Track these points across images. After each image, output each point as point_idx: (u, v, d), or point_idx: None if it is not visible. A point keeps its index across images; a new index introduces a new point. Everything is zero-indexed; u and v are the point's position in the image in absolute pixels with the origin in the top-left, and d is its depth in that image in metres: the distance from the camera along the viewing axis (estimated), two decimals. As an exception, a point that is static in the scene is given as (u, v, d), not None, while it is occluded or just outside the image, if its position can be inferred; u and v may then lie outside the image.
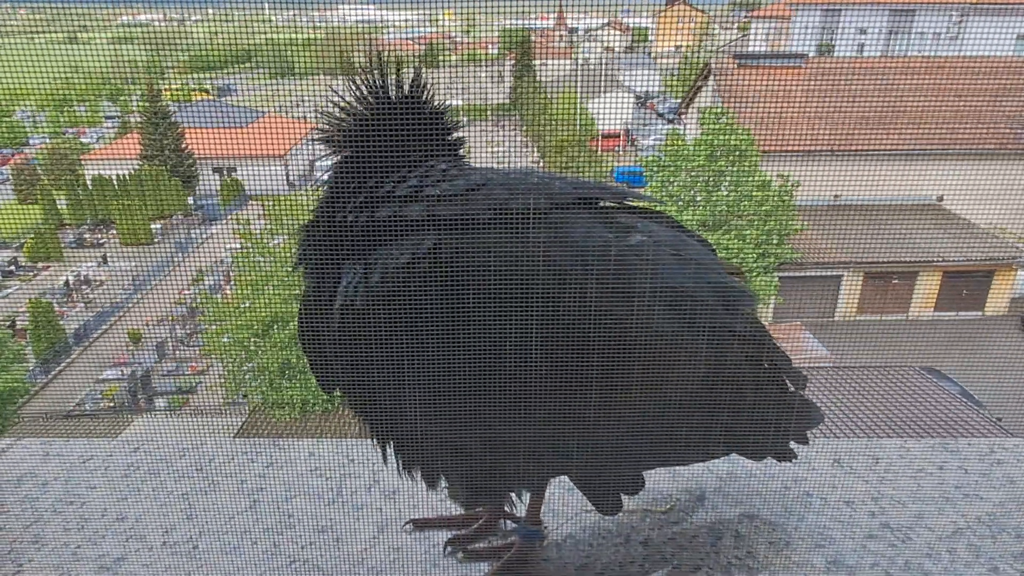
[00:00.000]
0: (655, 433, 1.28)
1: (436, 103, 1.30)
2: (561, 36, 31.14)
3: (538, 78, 26.15)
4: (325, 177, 1.29)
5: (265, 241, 12.07)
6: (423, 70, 1.27)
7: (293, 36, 24.28)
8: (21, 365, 13.01)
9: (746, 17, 25.68)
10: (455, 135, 1.33)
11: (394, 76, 1.26)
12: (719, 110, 14.39)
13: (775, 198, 13.43)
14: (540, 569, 1.47)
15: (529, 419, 1.17)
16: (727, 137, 13.45)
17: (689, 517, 1.60)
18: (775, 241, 13.55)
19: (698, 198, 13.90)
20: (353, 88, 1.26)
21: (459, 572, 1.46)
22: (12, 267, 19.07)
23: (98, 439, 2.28)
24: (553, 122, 21.69)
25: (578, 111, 21.66)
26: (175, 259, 19.00)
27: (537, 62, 28.32)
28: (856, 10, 21.25)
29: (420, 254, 1.13)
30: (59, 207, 20.85)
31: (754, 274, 13.44)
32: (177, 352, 15.43)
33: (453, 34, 33.07)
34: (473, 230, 1.15)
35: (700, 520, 1.59)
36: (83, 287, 18.02)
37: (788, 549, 1.50)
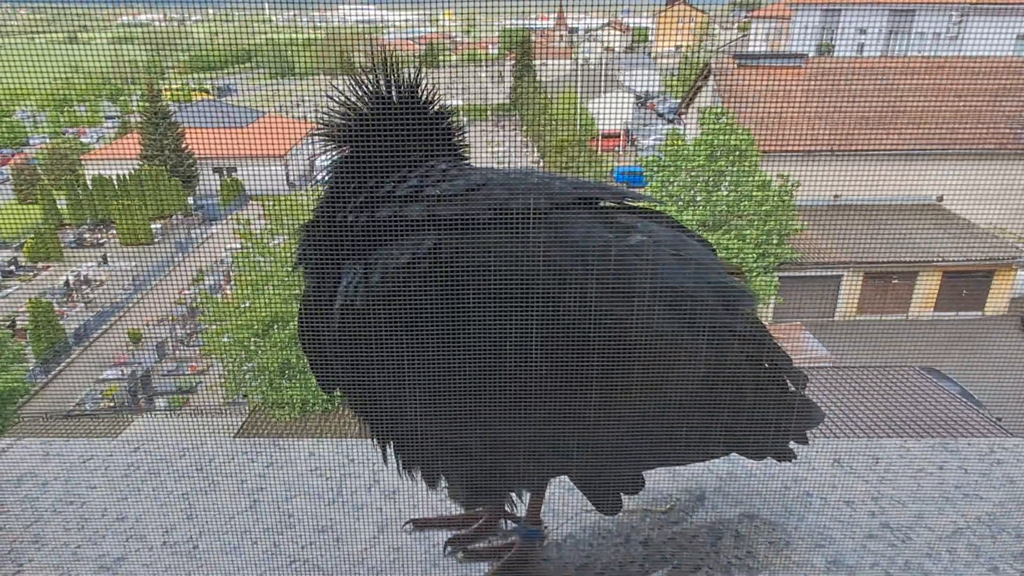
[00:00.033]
0: (655, 433, 1.28)
1: (438, 103, 1.30)
2: (561, 36, 31.15)
3: (538, 78, 26.15)
4: (324, 175, 1.29)
5: (265, 241, 12.07)
6: (425, 70, 1.28)
7: (293, 36, 24.28)
8: (21, 365, 13.01)
9: (746, 17, 25.68)
10: (456, 136, 1.33)
11: (396, 76, 1.26)
12: (719, 110, 14.39)
13: (775, 198, 13.43)
14: (540, 569, 1.47)
15: (529, 419, 1.17)
16: (727, 137, 13.45)
17: (689, 517, 1.60)
18: (775, 241, 13.55)
19: (698, 198, 13.90)
20: (355, 87, 1.26)
21: (459, 572, 1.46)
22: (12, 267, 19.08)
23: (98, 439, 2.28)
24: (553, 122, 21.69)
25: (578, 111, 21.67)
26: (175, 259, 19.00)
27: (537, 62, 28.32)
28: (856, 10, 21.25)
29: (420, 254, 1.13)
30: (59, 207, 20.86)
31: (754, 274, 13.44)
32: (177, 352, 15.44)
33: (453, 34, 33.07)
34: (473, 230, 1.15)
35: (700, 520, 1.59)
36: (83, 287, 18.03)
37: (788, 549, 1.50)
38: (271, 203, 12.80)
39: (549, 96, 23.04)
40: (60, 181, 21.33)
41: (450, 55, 31.94)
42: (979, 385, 11.00)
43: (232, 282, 14.15)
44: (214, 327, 12.03)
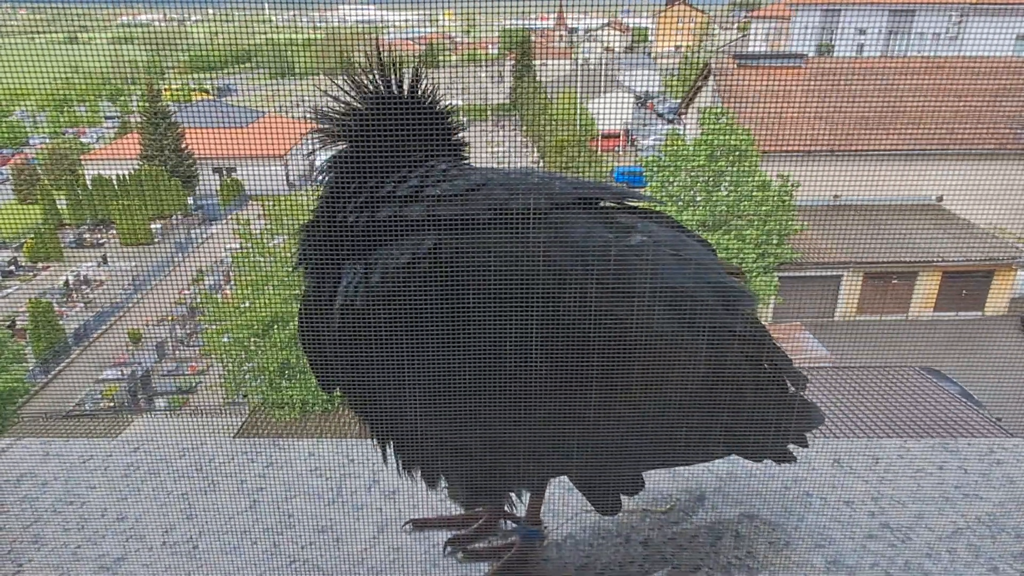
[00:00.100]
0: (655, 433, 1.28)
1: (439, 103, 1.30)
2: (561, 36, 31.15)
3: (538, 78, 26.15)
4: (321, 174, 1.29)
5: (265, 241, 12.08)
6: (426, 70, 1.27)
7: (293, 36, 24.28)
8: (21, 365, 13.01)
9: (746, 17, 25.69)
10: (457, 136, 1.33)
11: (397, 75, 1.26)
12: (719, 110, 14.40)
13: (775, 198, 13.43)
14: (540, 569, 1.47)
15: (529, 419, 1.17)
16: (727, 137, 13.45)
17: (689, 517, 1.60)
18: (775, 241, 13.55)
19: (698, 198, 13.90)
20: (355, 86, 1.26)
21: (459, 572, 1.46)
22: (12, 267, 19.08)
23: (98, 439, 2.28)
24: (553, 122, 21.69)
25: (578, 111, 21.67)
26: (175, 259, 19.00)
27: (537, 62, 28.32)
28: (856, 10, 21.25)
29: (420, 254, 1.13)
30: (59, 207, 20.86)
31: (754, 274, 13.44)
32: (177, 352, 15.44)
33: (453, 34, 33.07)
34: (473, 230, 1.15)
35: (700, 520, 1.59)
36: (83, 287, 18.03)
37: (788, 549, 1.50)
38: (271, 203, 12.79)
39: (549, 96, 23.04)
40: (60, 181, 21.33)
41: (450, 55, 31.94)
42: (979, 385, 11.00)
43: (232, 282, 14.16)
44: (214, 327, 12.03)
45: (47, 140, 25.80)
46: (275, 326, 11.38)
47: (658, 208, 1.39)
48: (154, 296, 17.19)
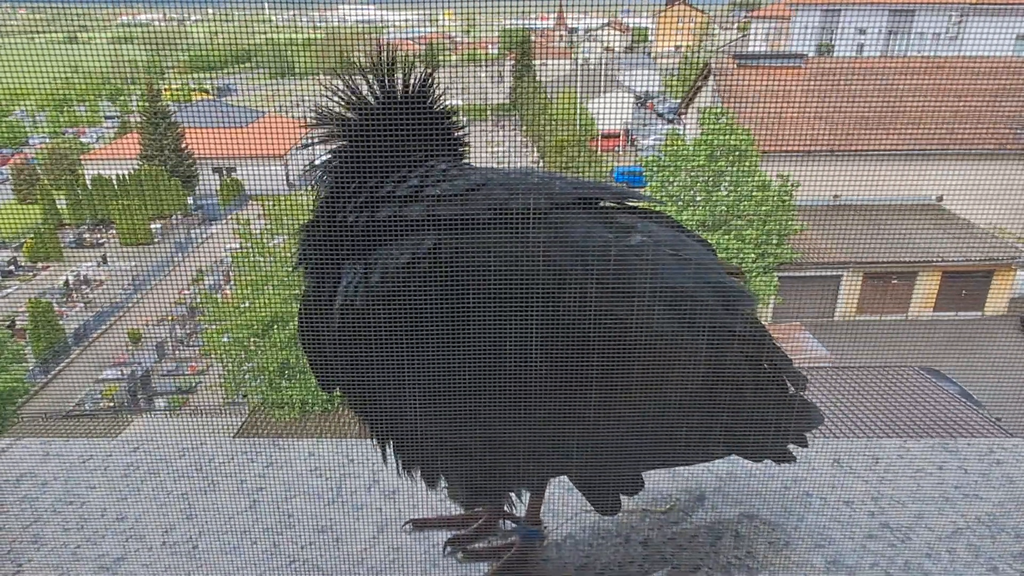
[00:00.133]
0: (655, 433, 1.28)
1: (440, 103, 1.30)
2: (561, 36, 31.16)
3: (538, 78, 26.15)
4: (319, 174, 1.29)
5: (265, 241, 12.08)
6: (428, 70, 1.27)
7: (293, 36, 24.28)
8: (21, 365, 13.01)
9: (746, 17, 25.69)
10: (456, 135, 1.33)
11: (396, 75, 1.25)
12: (719, 110, 14.39)
13: (775, 198, 13.43)
14: (540, 569, 1.47)
15: (529, 419, 1.17)
16: (727, 137, 13.45)
17: (689, 517, 1.60)
18: (775, 241, 13.55)
19: (698, 198, 13.90)
20: (355, 86, 1.25)
21: (459, 572, 1.45)
22: (12, 267, 19.08)
23: (98, 439, 2.28)
24: (553, 122, 21.69)
25: (578, 111, 21.67)
26: (175, 259, 19.00)
27: (537, 62, 28.32)
28: (856, 10, 21.25)
29: (420, 254, 1.13)
30: (59, 207, 20.86)
31: (754, 274, 13.44)
32: (177, 352, 15.44)
33: (453, 34, 33.07)
34: (473, 230, 1.15)
35: (700, 520, 1.59)
36: (83, 287, 18.03)
37: (788, 549, 1.50)
38: (271, 203, 12.79)
39: (549, 96, 23.04)
40: (60, 181, 21.33)
41: (450, 55, 31.94)
42: (979, 385, 11.01)
43: (232, 282, 14.15)
44: (214, 327, 12.03)
45: (47, 140, 25.80)
46: (275, 326, 11.39)
47: (658, 208, 1.39)
48: (154, 296, 17.19)
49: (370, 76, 1.25)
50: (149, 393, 14.31)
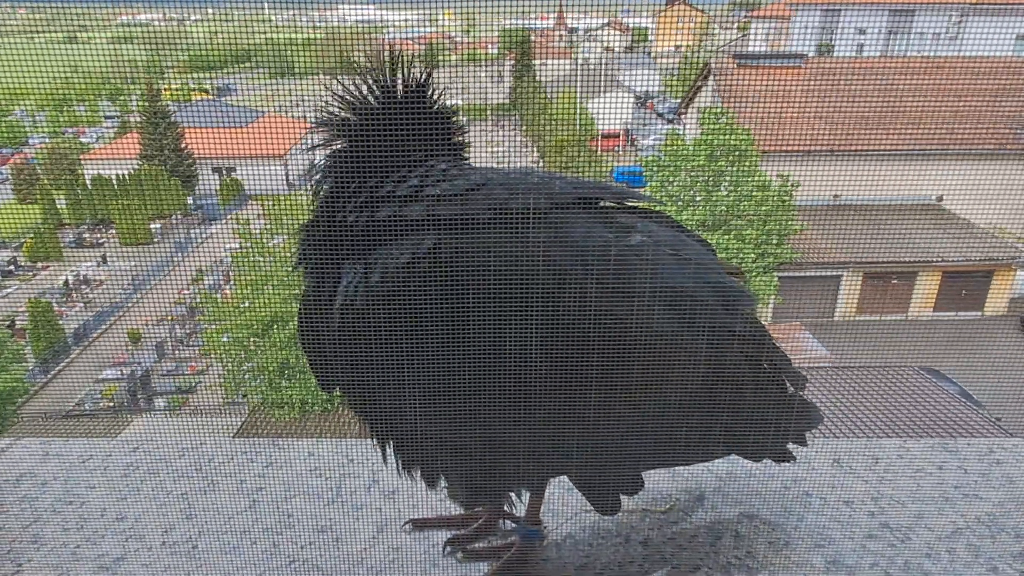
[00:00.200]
0: (655, 433, 1.28)
1: (441, 103, 1.30)
2: (561, 36, 31.16)
3: (538, 78, 26.15)
4: (318, 174, 1.29)
5: (264, 241, 12.08)
6: (429, 70, 1.27)
7: (293, 36, 24.27)
8: (20, 365, 13.01)
9: (746, 17, 25.69)
10: (456, 135, 1.33)
11: (396, 75, 1.25)
12: (719, 110, 14.39)
13: (775, 198, 13.43)
14: (540, 569, 1.47)
15: (529, 419, 1.17)
16: (727, 137, 13.45)
17: (689, 517, 1.60)
18: (774, 241, 13.56)
19: (698, 198, 13.90)
20: (355, 86, 1.25)
21: (458, 572, 1.45)
22: (12, 267, 19.08)
23: (97, 439, 2.28)
24: (553, 122, 21.69)
25: (578, 111, 21.67)
26: (175, 259, 19.00)
27: (537, 62, 28.32)
28: (856, 10, 21.26)
29: (420, 254, 1.13)
30: (59, 207, 20.86)
31: (754, 274, 13.44)
32: (177, 352, 15.44)
33: (453, 34, 33.06)
34: (473, 230, 1.15)
35: (700, 520, 1.59)
36: (82, 287, 18.02)
37: (788, 549, 1.50)
38: (270, 203, 12.80)
39: (549, 96, 23.04)
40: (60, 181, 21.33)
41: (450, 55, 31.93)
42: (978, 385, 11.01)
43: (231, 282, 14.15)
44: (213, 327, 12.03)
45: (47, 140, 25.80)
46: (275, 326, 11.39)
47: (658, 208, 1.39)
48: (154, 296, 17.20)
49: (370, 76, 1.25)
50: (149, 393, 14.31)
